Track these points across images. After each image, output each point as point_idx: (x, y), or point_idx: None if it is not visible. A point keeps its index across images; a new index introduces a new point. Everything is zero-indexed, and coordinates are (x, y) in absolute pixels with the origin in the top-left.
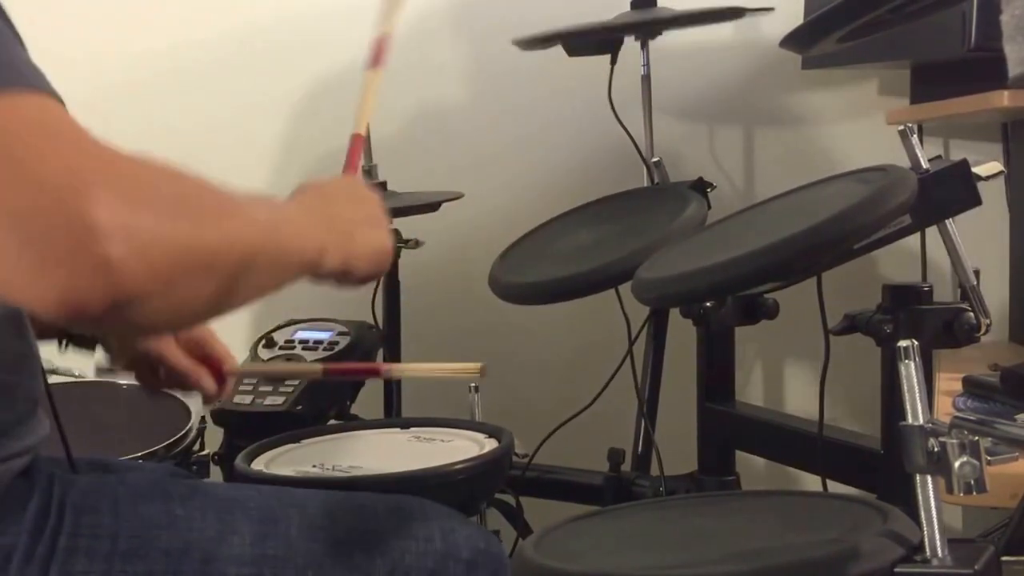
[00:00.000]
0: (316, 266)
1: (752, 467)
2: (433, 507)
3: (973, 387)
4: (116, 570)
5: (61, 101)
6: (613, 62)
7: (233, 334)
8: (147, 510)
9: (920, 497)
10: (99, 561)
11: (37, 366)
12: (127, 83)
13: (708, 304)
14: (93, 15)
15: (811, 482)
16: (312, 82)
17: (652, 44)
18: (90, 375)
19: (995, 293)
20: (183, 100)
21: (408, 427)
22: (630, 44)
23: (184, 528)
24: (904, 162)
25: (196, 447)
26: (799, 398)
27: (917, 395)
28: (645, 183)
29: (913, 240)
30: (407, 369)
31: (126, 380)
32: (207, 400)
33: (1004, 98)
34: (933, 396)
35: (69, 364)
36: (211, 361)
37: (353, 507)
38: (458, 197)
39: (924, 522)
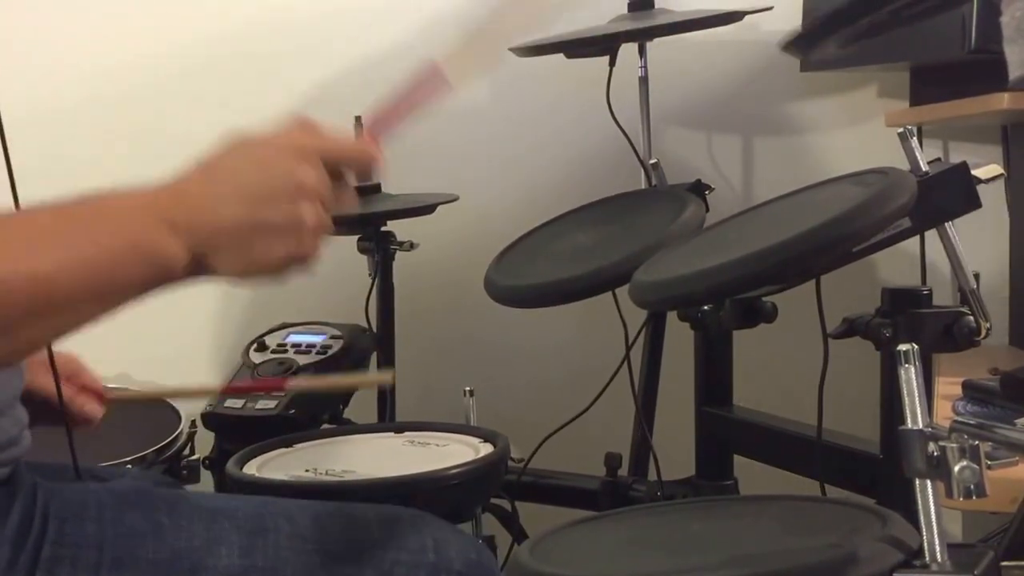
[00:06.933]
0: (161, 270)
1: (750, 471)
2: (425, 517)
3: (973, 391)
4: None
5: None
6: (612, 64)
7: (224, 338)
8: (132, 519)
9: (919, 502)
10: (85, 570)
11: (18, 385)
12: (120, 90)
13: (706, 307)
14: (85, 21)
15: (810, 487)
16: (308, 89)
17: (650, 45)
18: None
19: (995, 297)
20: (174, 106)
21: (402, 431)
22: (628, 45)
23: (171, 537)
24: (903, 165)
25: (186, 451)
26: (798, 402)
27: (916, 399)
28: (643, 185)
29: (912, 243)
30: (313, 383)
31: (114, 384)
32: (85, 424)
33: (1004, 100)
34: (932, 400)
35: None
36: (89, 389)
37: (343, 517)
38: (453, 199)
39: (923, 527)
